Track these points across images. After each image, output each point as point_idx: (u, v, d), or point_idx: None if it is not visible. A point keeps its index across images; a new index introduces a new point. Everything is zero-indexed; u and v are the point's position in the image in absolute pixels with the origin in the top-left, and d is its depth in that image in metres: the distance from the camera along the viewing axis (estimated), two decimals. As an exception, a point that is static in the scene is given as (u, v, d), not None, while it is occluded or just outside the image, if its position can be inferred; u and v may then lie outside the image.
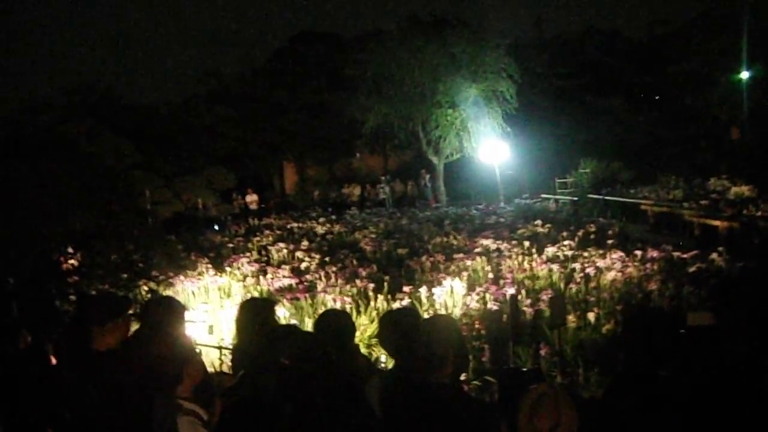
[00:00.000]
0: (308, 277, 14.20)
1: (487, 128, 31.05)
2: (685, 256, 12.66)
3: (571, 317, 9.63)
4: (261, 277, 14.20)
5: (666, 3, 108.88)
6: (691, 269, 11.83)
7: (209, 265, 15.54)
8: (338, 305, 11.17)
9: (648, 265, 12.30)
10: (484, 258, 14.08)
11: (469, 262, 13.80)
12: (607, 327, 9.52)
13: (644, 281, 11.30)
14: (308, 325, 10.21)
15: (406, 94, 31.67)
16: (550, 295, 9.83)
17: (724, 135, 38.57)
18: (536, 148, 34.15)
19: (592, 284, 11.27)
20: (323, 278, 13.72)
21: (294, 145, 39.71)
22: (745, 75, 37.45)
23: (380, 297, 11.67)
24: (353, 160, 42.97)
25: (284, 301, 11.98)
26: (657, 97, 44.61)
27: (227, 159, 37.13)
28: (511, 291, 10.51)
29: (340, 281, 13.30)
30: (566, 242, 14.73)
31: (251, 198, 34.69)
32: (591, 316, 9.66)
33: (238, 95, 39.60)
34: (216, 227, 26.59)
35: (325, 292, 12.28)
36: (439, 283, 11.61)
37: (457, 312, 10.73)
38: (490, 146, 30.73)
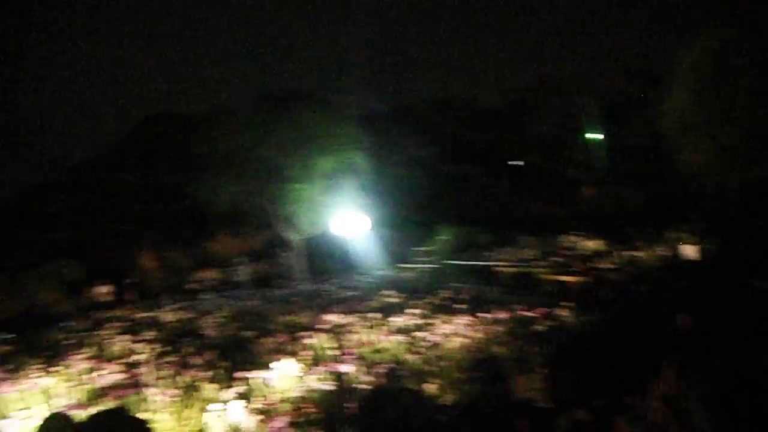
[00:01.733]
0: (141, 370, 13.12)
1: (342, 200, 30.53)
2: (532, 314, 12.21)
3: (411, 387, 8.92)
4: (91, 374, 13.06)
5: (518, 68, 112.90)
6: (539, 327, 11.36)
7: (40, 365, 14.31)
8: (163, 399, 10.21)
9: (497, 327, 11.78)
10: (328, 334, 13.31)
11: (312, 340, 12.98)
12: (450, 397, 8.83)
13: (491, 344, 10.70)
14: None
15: (255, 170, 30.84)
16: (384, 369, 9.09)
17: (577, 193, 39.54)
18: (396, 218, 33.91)
19: (434, 353, 10.61)
20: (156, 370, 12.67)
21: (148, 230, 38.37)
22: (594, 136, 38.68)
23: (211, 386, 10.73)
24: (212, 244, 41.74)
25: (109, 399, 10.96)
26: (517, 162, 45.40)
27: (76, 249, 35.46)
28: (348, 368, 9.71)
29: (171, 372, 12.27)
30: (415, 311, 14.09)
31: (102, 289, 33.00)
32: (432, 387, 8.96)
33: (84, 183, 38.06)
34: (64, 324, 24.99)
35: (149, 386, 11.21)
36: (267, 367, 10.73)
37: (292, 395, 9.87)
38: (345, 219, 30.23)
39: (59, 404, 11.26)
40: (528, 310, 12.69)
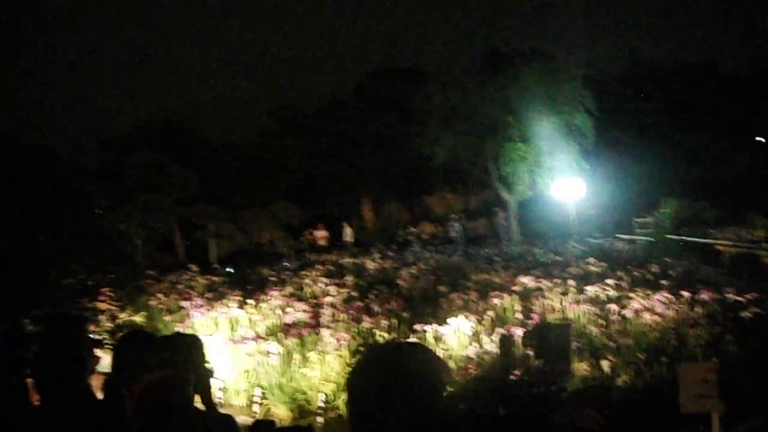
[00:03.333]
0: (326, 311, 13.26)
1: (562, 164, 29.53)
2: (741, 299, 11.01)
3: (583, 365, 8.25)
4: (281, 310, 13.38)
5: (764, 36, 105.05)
6: (746, 314, 10.20)
7: (239, 298, 14.86)
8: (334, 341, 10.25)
9: (697, 309, 10.75)
10: (516, 297, 12.76)
11: (498, 301, 12.48)
12: (623, 378, 8.07)
13: (684, 326, 9.74)
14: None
15: (475, 126, 30.42)
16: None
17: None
18: (616, 186, 32.46)
19: (616, 327, 9.79)
20: (340, 314, 12.79)
21: (368, 181, 39.04)
22: None
23: (386, 334, 10.64)
24: (431, 198, 41.92)
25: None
26: (755, 137, 42.20)
27: (297, 194, 36.61)
28: (519, 332, 9.13)
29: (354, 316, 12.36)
30: (612, 282, 13.18)
31: (320, 234, 33.96)
32: (605, 364, 8.22)
33: (309, 129, 39.09)
34: (286, 264, 25.87)
35: (328, 327, 11.26)
36: (445, 323, 10.39)
37: (461, 353, 9.51)
38: (565, 183, 29.27)
39: (243, 333, 11.61)
40: (739, 295, 11.45)
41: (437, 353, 8.51)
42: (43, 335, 4.85)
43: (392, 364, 2.39)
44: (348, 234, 33.66)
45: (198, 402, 3.34)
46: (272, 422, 6.29)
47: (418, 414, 2.28)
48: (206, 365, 3.52)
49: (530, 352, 8.09)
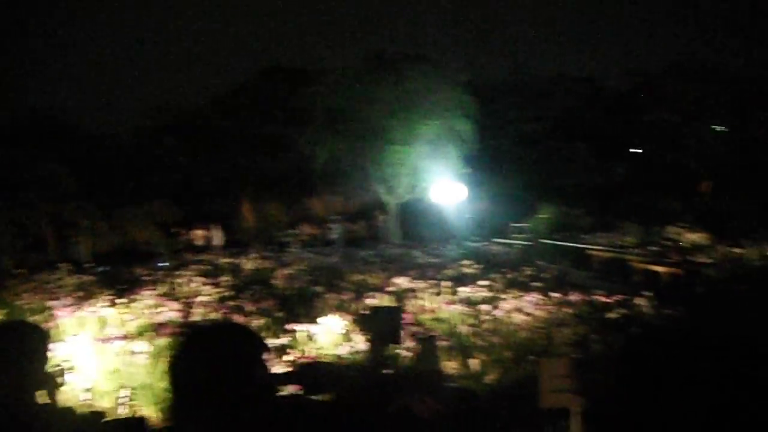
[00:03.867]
0: (198, 311, 12.92)
1: (443, 168, 29.85)
2: (608, 300, 11.24)
3: (452, 363, 8.22)
4: (152, 310, 12.94)
5: (644, 52, 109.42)
6: (611, 315, 10.42)
7: (109, 296, 14.33)
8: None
9: (565, 309, 10.90)
10: (392, 297, 12.72)
11: (374, 301, 12.41)
12: (491, 377, 8.07)
13: (552, 326, 9.85)
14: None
15: (358, 129, 30.44)
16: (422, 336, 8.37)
17: (694, 186, 37.76)
18: (496, 192, 33.04)
19: (486, 327, 9.83)
20: (212, 313, 12.47)
21: (249, 181, 38.58)
22: (719, 128, 36.89)
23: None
24: (311, 200, 41.76)
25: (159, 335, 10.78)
26: (630, 149, 43.70)
27: (176, 193, 35.88)
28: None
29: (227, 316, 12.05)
30: (485, 283, 13.30)
31: (198, 233, 33.40)
32: (474, 363, 8.22)
33: (190, 127, 38.38)
34: (161, 264, 25.27)
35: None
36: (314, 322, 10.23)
37: (332, 351, 9.36)
38: (445, 187, 29.55)
39: (111, 333, 11.16)
40: (607, 297, 11.71)
41: (308, 352, 8.31)
42: None
43: (211, 343, 2.35)
44: (217, 237, 33.13)
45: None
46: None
47: (238, 393, 2.23)
48: (50, 360, 3.26)
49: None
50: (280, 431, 2.45)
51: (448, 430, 3.15)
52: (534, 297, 11.45)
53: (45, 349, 3.25)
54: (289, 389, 3.89)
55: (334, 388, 3.13)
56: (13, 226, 27.75)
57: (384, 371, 3.72)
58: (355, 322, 7.89)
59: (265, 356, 2.42)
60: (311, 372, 3.34)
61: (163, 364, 6.96)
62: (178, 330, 10.88)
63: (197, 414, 2.23)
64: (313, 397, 3.08)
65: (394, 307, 8.38)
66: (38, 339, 3.27)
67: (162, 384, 9.07)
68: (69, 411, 3.68)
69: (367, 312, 4.43)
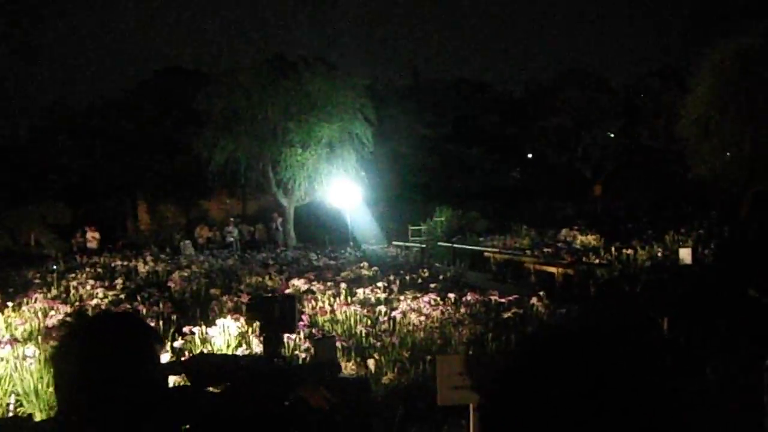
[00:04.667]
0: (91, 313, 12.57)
1: (340, 171, 29.84)
2: (503, 300, 11.36)
3: (350, 364, 8.16)
4: (43, 314, 12.49)
5: (537, 61, 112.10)
6: (507, 314, 10.52)
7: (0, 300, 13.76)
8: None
9: (463, 309, 10.96)
10: (288, 298, 12.55)
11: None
12: (389, 377, 8.03)
13: (449, 326, 9.89)
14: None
15: (255, 131, 30.24)
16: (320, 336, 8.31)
17: (587, 190, 38.77)
18: (394, 195, 33.21)
19: (383, 327, 9.82)
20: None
21: (145, 182, 37.82)
22: (609, 133, 37.97)
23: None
24: (208, 203, 41.21)
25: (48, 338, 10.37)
26: (528, 155, 44.57)
27: (69, 194, 34.90)
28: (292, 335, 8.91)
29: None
30: (382, 285, 13.28)
31: (91, 236, 32.48)
32: (371, 363, 8.17)
33: (86, 128, 37.42)
34: (54, 266, 24.47)
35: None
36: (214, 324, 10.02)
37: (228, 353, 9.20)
38: (342, 190, 29.52)
39: (-2, 336, 10.72)
40: (502, 297, 11.84)
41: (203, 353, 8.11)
42: None
43: (98, 332, 2.28)
44: (92, 239, 32.26)
45: None
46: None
47: (127, 384, 2.18)
48: None
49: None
50: (171, 424, 2.35)
51: (344, 421, 3.10)
52: (430, 298, 11.47)
53: None
54: (176, 381, 3.77)
55: (226, 380, 3.03)
56: None
57: (278, 362, 3.64)
58: (245, 309, 7.75)
59: (155, 346, 2.36)
60: (200, 363, 3.22)
61: (52, 367, 6.70)
62: (65, 321, 10.58)
63: (86, 406, 2.16)
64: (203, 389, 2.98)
65: (287, 294, 8.28)
66: None
67: (51, 389, 8.79)
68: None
69: (255, 300, 4.35)
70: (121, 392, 2.14)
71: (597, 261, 17.46)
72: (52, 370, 2.33)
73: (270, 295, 8.86)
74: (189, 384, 3.09)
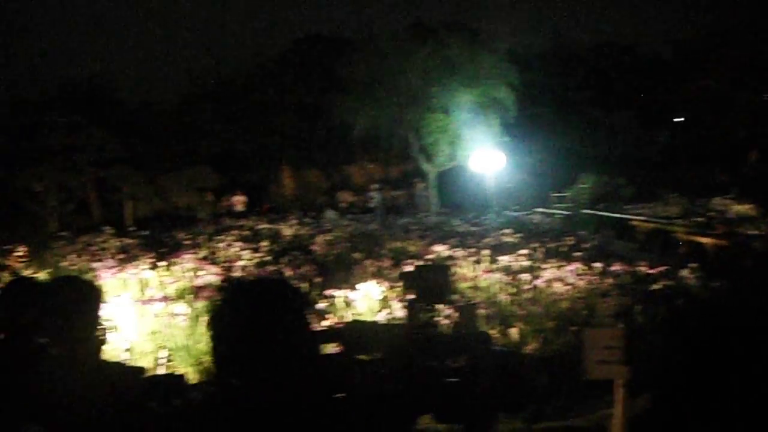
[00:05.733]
0: (237, 274, 13.00)
1: (482, 136, 29.58)
2: (652, 271, 11.00)
3: (492, 332, 8.10)
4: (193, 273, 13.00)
5: (685, 19, 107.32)
6: (655, 286, 10.18)
7: (150, 259, 14.41)
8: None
9: (609, 280, 10.69)
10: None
11: (411, 268, 12.28)
12: (532, 346, 7.94)
13: (594, 296, 9.68)
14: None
15: (397, 97, 30.35)
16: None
17: (741, 156, 36.97)
18: (536, 160, 32.74)
19: (527, 296, 9.69)
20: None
21: (288, 148, 38.64)
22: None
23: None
24: (351, 168, 41.71)
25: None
26: (677, 118, 42.96)
27: (217, 159, 36.05)
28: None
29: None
30: (526, 252, 13.10)
31: (238, 199, 33.62)
32: (513, 332, 8.09)
33: (231, 95, 38.54)
34: (203, 228, 25.48)
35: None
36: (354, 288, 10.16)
37: (369, 317, 9.33)
38: (484, 155, 29.29)
39: (152, 295, 11.23)
40: (650, 268, 11.46)
41: (346, 318, 8.26)
42: None
43: (254, 298, 2.28)
44: (238, 203, 33.32)
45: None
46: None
47: (281, 351, 2.18)
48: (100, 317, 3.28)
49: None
50: (323, 390, 2.37)
51: (492, 391, 3.09)
52: (575, 267, 11.24)
53: (98, 306, 3.29)
54: (330, 348, 3.83)
55: (377, 348, 3.04)
56: (60, 190, 28.19)
57: (431, 331, 3.65)
58: (400, 278, 7.76)
59: (306, 312, 2.38)
60: (353, 331, 3.25)
61: (201, 327, 6.94)
62: (220, 286, 10.90)
63: (239, 369, 2.19)
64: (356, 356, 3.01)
65: (441, 265, 8.27)
66: (94, 295, 3.31)
67: (199, 346, 9.13)
68: (117, 365, 3.69)
69: (413, 269, 4.36)
70: (277, 359, 2.16)
71: (753, 232, 16.64)
72: (209, 333, 2.29)
73: (425, 263, 8.89)
74: (342, 351, 3.13)
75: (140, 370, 4.45)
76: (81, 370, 3.01)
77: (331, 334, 3.31)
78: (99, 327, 3.25)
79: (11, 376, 3.07)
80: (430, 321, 3.60)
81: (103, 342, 3.31)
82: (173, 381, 3.60)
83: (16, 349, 3.34)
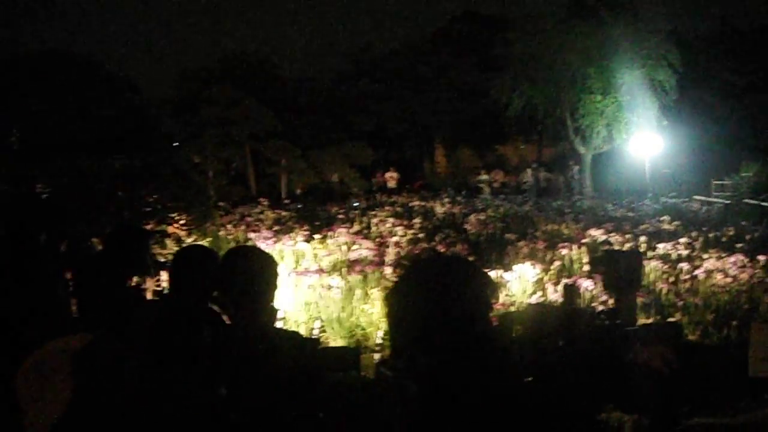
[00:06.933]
0: (391, 250, 13.24)
1: (640, 119, 28.95)
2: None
3: (648, 321, 8.09)
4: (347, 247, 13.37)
5: None
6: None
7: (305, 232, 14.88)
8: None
9: (772, 274, 10.40)
10: (585, 248, 12.52)
11: (566, 252, 12.28)
12: (690, 338, 7.88)
13: (758, 290, 9.45)
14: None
15: (553, 77, 29.99)
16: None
17: None
18: (695, 146, 31.68)
19: (686, 285, 9.55)
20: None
21: (442, 126, 38.83)
22: None
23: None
24: (504, 147, 41.54)
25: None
26: None
27: (370, 136, 36.58)
28: (587, 283, 8.96)
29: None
30: (685, 241, 12.84)
31: (390, 176, 34.07)
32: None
33: (386, 72, 38.97)
34: (355, 203, 25.99)
35: (391, 265, 11.20)
36: (510, 269, 10.27)
37: (523, 299, 9.45)
38: (642, 139, 28.64)
39: (306, 267, 11.61)
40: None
41: (500, 300, 8.39)
42: (108, 244, 5.01)
43: (435, 277, 2.25)
44: (391, 179, 33.64)
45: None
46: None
47: (462, 331, 2.16)
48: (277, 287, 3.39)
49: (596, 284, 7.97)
50: (511, 373, 2.39)
51: (680, 387, 3.11)
52: (737, 258, 10.95)
53: (276, 276, 3.36)
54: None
55: (564, 334, 3.08)
56: (218, 162, 29.21)
57: (620, 320, 3.66)
58: (590, 262, 7.77)
59: (490, 293, 2.33)
60: (535, 315, 3.31)
61: (354, 300, 7.21)
62: (405, 261, 11.12)
63: (421, 350, 2.17)
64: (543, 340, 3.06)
65: (634, 251, 8.22)
66: (273, 265, 3.40)
67: (352, 319, 9.48)
68: (294, 334, 3.90)
69: (602, 254, 4.40)
70: (461, 339, 2.14)
71: None
72: (387, 310, 2.32)
73: (616, 249, 8.85)
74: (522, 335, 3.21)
75: (316, 341, 4.68)
76: (260, 338, 3.10)
77: (511, 317, 3.42)
78: (275, 297, 3.33)
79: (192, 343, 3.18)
80: (624, 310, 3.63)
81: (276, 312, 3.41)
82: (349, 354, 3.82)
83: (193, 314, 3.46)
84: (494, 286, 2.41)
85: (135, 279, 5.31)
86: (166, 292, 4.68)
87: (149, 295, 5.60)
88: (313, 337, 7.60)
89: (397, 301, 2.27)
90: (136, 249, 4.71)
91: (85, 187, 11.79)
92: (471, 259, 12.09)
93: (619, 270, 4.00)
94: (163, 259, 9.36)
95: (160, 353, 3.07)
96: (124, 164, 13.73)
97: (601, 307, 8.44)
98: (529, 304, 6.24)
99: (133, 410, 2.05)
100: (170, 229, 14.06)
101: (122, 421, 2.03)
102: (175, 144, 30.42)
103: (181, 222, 14.60)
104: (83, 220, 10.34)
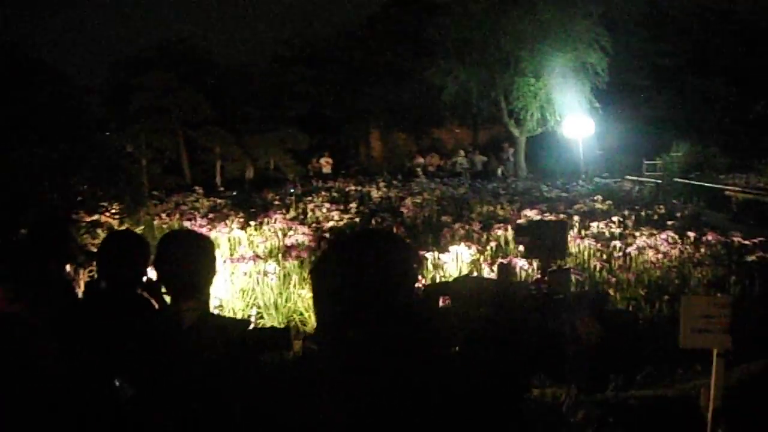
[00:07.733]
0: (326, 236, 13.17)
1: (573, 102, 29.27)
2: (747, 242, 10.83)
3: (583, 298, 8.14)
4: (282, 233, 13.25)
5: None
6: (750, 257, 10.04)
7: (240, 219, 14.72)
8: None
9: (702, 250, 10.59)
10: (520, 230, 12.60)
11: (501, 232, 12.34)
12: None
13: (687, 266, 9.62)
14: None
15: (487, 60, 30.16)
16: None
17: None
18: (627, 127, 32.20)
19: (618, 262, 9.68)
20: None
21: (377, 111, 38.77)
22: None
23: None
24: (439, 131, 41.63)
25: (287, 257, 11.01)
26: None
27: (306, 121, 36.36)
28: (522, 262, 8.99)
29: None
30: (617, 219, 13.02)
31: (326, 161, 34.01)
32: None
33: (321, 57, 38.80)
34: (291, 189, 25.82)
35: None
36: (446, 251, 10.27)
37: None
38: (575, 121, 28.97)
39: (242, 254, 11.48)
40: (745, 239, 11.26)
41: (436, 280, 8.35)
42: (30, 234, 4.91)
43: (359, 250, 2.25)
44: (326, 165, 33.67)
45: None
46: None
47: (387, 302, 2.14)
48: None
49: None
50: (434, 343, 2.35)
51: (609, 355, 3.13)
52: (668, 235, 11.14)
53: (214, 259, 3.26)
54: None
55: (488, 304, 3.04)
56: (152, 150, 28.82)
57: (549, 290, 3.64)
58: (515, 231, 7.77)
59: (415, 265, 2.31)
60: (466, 285, 3.27)
61: (291, 285, 7.13)
62: (327, 237, 11.04)
63: (346, 323, 2.15)
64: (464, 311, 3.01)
65: (560, 221, 8.23)
66: (210, 248, 3.30)
67: (289, 304, 9.39)
68: (223, 318, 3.83)
69: (527, 224, 4.40)
70: (388, 311, 2.12)
71: None
72: (312, 286, 2.29)
73: (541, 219, 8.90)
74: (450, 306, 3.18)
75: (246, 322, 4.60)
76: (192, 323, 3.00)
77: (439, 288, 3.36)
78: (211, 281, 3.24)
79: (114, 329, 3.08)
80: (542, 278, 3.62)
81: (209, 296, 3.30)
82: (280, 334, 3.75)
83: (119, 300, 3.40)
84: (418, 258, 2.40)
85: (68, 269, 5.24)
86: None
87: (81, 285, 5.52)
88: (242, 318, 7.50)
89: (322, 276, 2.26)
90: (58, 237, 4.62)
91: (9, 177, 11.45)
92: (407, 241, 12.09)
93: (543, 237, 4.01)
94: (95, 249, 9.16)
95: (76, 339, 2.98)
96: (49, 153, 13.32)
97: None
98: (464, 276, 6.22)
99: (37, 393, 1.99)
100: (102, 218, 13.76)
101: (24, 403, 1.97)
102: (106, 133, 29.87)
103: (113, 211, 14.32)
104: (8, 211, 10.08)
